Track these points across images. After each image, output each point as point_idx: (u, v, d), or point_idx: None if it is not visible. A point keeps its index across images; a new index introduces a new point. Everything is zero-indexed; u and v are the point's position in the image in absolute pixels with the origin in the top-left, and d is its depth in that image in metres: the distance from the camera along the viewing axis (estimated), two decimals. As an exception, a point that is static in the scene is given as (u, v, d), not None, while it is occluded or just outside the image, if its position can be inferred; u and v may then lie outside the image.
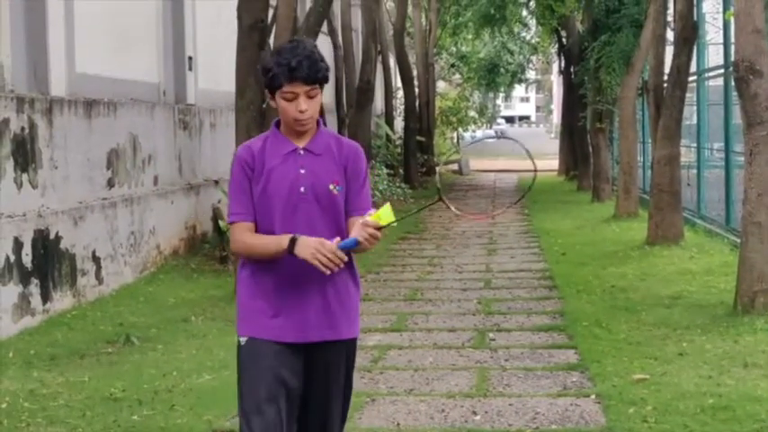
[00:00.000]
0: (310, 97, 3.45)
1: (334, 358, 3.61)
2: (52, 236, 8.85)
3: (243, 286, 3.63)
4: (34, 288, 8.47)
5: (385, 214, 3.40)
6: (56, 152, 9.09)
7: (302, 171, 3.50)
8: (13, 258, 8.17)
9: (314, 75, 3.42)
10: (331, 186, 3.51)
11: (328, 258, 3.34)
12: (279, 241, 3.41)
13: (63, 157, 9.22)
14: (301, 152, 3.53)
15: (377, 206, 3.49)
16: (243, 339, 3.63)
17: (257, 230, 3.53)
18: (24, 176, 8.51)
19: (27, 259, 8.38)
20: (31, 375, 6.63)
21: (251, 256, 3.54)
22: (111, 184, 10.35)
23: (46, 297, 8.65)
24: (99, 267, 9.77)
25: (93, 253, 9.67)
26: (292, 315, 3.52)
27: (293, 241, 3.37)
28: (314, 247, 3.34)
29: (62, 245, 9.02)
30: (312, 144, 3.55)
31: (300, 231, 3.43)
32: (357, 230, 3.37)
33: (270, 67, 3.44)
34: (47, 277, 8.70)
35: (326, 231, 3.48)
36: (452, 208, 3.67)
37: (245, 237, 3.51)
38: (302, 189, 3.48)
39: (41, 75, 9.45)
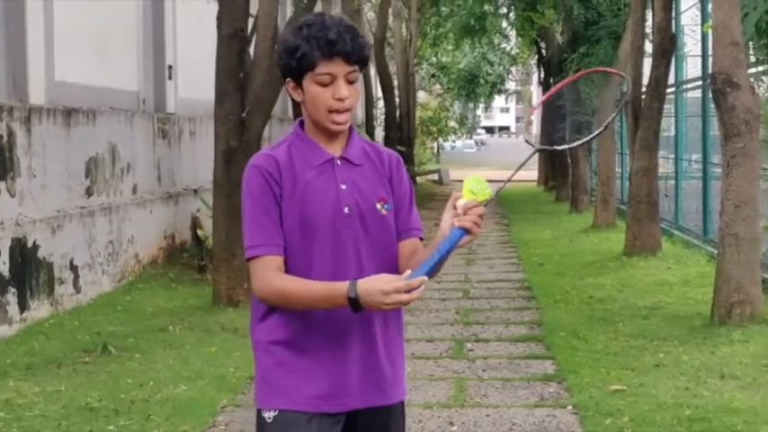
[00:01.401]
0: (350, 82, 2.67)
1: (381, 428, 2.83)
2: (30, 244, 8.79)
3: (262, 343, 2.78)
4: (11, 297, 8.40)
5: (478, 187, 2.58)
6: (34, 160, 9.03)
7: (343, 187, 2.69)
8: (-11, 267, 8.11)
9: (359, 50, 2.64)
10: (378, 205, 2.73)
11: (405, 300, 2.53)
12: (330, 291, 2.57)
13: (41, 165, 9.17)
14: (338, 162, 2.72)
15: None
16: (269, 415, 2.75)
17: (286, 269, 2.70)
18: (2, 185, 8.45)
19: (4, 268, 8.32)
20: (6, 385, 6.57)
21: (286, 307, 2.68)
22: (89, 192, 10.30)
23: (23, 306, 8.59)
24: (77, 276, 9.71)
25: (71, 262, 9.61)
26: (331, 377, 2.72)
27: (352, 287, 2.53)
28: (381, 290, 2.49)
29: (40, 253, 8.96)
30: (349, 151, 2.75)
31: (346, 268, 2.67)
32: (451, 218, 2.57)
33: (296, 44, 2.62)
34: (24, 286, 8.64)
35: (376, 266, 2.70)
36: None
37: (275, 279, 2.64)
38: (346, 210, 2.68)
39: (20, 83, 9.40)
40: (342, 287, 2.53)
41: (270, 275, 2.63)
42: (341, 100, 2.63)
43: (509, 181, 2.75)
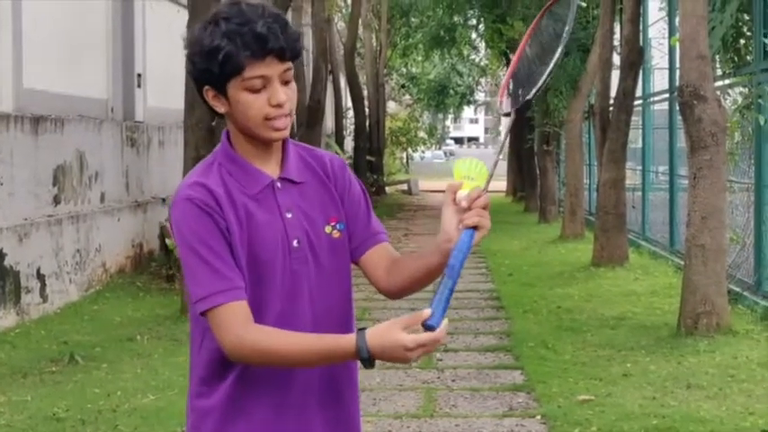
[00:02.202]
0: (285, 82, 2.14)
1: None
2: (-4, 253, 8.72)
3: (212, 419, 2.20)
4: (-24, 306, 8.32)
5: (475, 171, 2.14)
6: (1, 168, 8.96)
7: (288, 215, 2.18)
8: (-45, 275, 8.03)
9: (293, 44, 2.11)
10: (329, 228, 2.23)
11: (431, 349, 2.09)
12: (333, 348, 2.07)
13: (9, 173, 9.10)
14: (278, 185, 2.20)
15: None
16: None
17: None
18: (-32, 192, 8.38)
19: (-30, 276, 8.24)
20: (-29, 395, 6.51)
21: (265, 365, 2.12)
22: (57, 200, 10.23)
23: (-12, 315, 8.50)
24: (44, 285, 9.63)
25: (38, 270, 9.53)
26: None
27: (362, 344, 2.03)
28: (403, 347, 2.03)
29: (6, 262, 8.88)
30: (288, 168, 2.23)
31: (299, 307, 2.19)
32: (453, 215, 2.11)
33: (216, 44, 2.07)
34: (-10, 295, 8.56)
35: (328, 299, 2.23)
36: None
37: (251, 334, 2.07)
38: (295, 243, 2.17)
39: (-13, 90, 9.33)
40: (348, 344, 2.04)
41: (241, 329, 2.05)
42: (279, 106, 2.11)
43: (497, 162, 2.32)
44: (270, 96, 2.11)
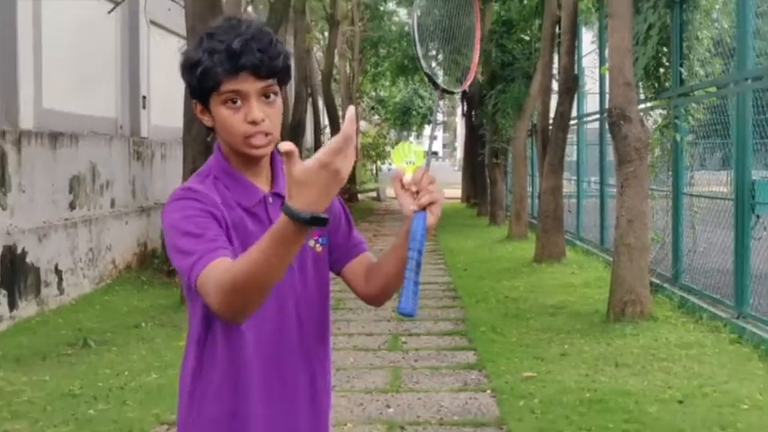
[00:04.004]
0: (266, 97, 1.85)
1: None
2: (19, 251, 8.63)
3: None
4: (2, 297, 8.24)
5: (411, 153, 1.92)
6: (24, 178, 8.88)
7: None
8: (-18, 271, 7.95)
9: (270, 63, 1.83)
10: (312, 242, 1.99)
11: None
12: (274, 228, 1.54)
13: (30, 182, 9.02)
14: (270, 200, 1.94)
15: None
16: None
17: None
18: (-6, 199, 8.30)
19: (-4, 272, 8.16)
20: (-3, 375, 6.45)
21: (246, 293, 1.61)
22: (72, 206, 10.15)
23: (13, 305, 8.42)
24: (61, 279, 9.55)
25: (56, 266, 9.45)
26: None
27: (285, 205, 1.51)
28: (315, 167, 1.50)
29: (28, 259, 8.80)
30: (278, 184, 1.96)
31: (286, 315, 1.95)
32: (407, 198, 1.79)
33: (197, 58, 1.83)
34: (14, 288, 8.47)
35: (310, 308, 1.99)
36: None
37: (220, 276, 1.65)
38: None
39: (12, 110, 9.24)
40: (282, 219, 1.52)
41: (220, 274, 1.65)
42: (254, 123, 1.83)
43: (432, 136, 2.00)
44: (246, 112, 1.83)
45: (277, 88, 1.87)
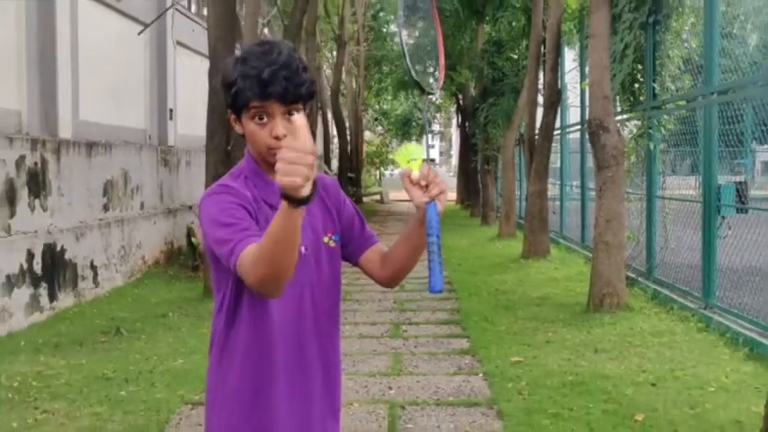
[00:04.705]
0: (289, 114, 1.91)
1: None
2: (58, 248, 8.64)
3: (218, 392, 2.01)
4: (43, 290, 8.25)
5: (415, 152, 1.91)
6: (62, 182, 8.89)
7: None
8: (26, 266, 7.96)
9: (295, 91, 1.88)
10: (326, 239, 2.06)
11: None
12: (279, 212, 1.61)
13: (68, 186, 9.03)
14: None
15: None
16: None
17: (247, 302, 1.95)
18: (36, 201, 8.30)
19: (37, 267, 8.16)
20: (38, 360, 6.44)
21: (273, 266, 1.66)
22: (106, 208, 10.16)
23: (52, 297, 8.43)
24: (95, 274, 9.56)
25: (91, 262, 9.46)
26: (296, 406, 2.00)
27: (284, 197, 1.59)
28: (286, 161, 1.55)
29: (66, 256, 8.81)
30: None
31: (302, 299, 2.00)
32: (417, 191, 1.85)
33: (233, 79, 1.90)
34: (53, 281, 8.49)
35: (324, 293, 2.05)
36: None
37: (251, 256, 1.72)
38: (303, 249, 1.95)
39: (51, 121, 9.26)
40: (283, 205, 1.61)
41: (250, 254, 1.73)
42: (278, 138, 1.87)
43: (428, 136, 2.05)
44: (271, 129, 1.89)
45: (300, 107, 1.92)
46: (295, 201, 1.58)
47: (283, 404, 1.97)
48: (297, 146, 1.54)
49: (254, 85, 1.85)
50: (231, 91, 1.90)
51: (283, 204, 1.60)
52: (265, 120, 1.89)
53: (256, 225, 1.86)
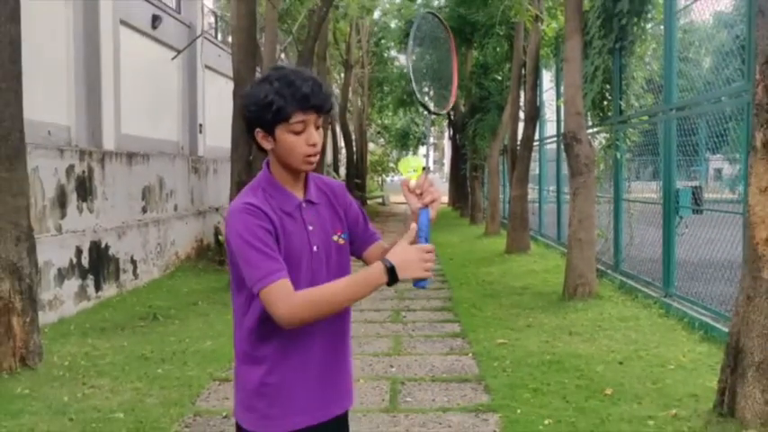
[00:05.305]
0: (318, 127, 1.95)
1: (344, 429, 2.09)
2: (103, 245, 8.65)
3: (252, 383, 1.95)
4: (89, 281, 8.26)
5: (415, 163, 1.94)
6: (106, 188, 8.90)
7: (311, 228, 1.97)
8: (75, 261, 7.96)
9: (328, 102, 1.94)
10: (335, 237, 2.04)
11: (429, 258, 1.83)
12: (366, 274, 1.82)
13: (111, 191, 9.03)
14: (304, 205, 1.99)
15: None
16: None
17: None
18: (84, 204, 8.31)
19: (85, 261, 8.17)
20: (86, 342, 6.45)
21: (316, 317, 1.82)
22: (144, 210, 10.16)
23: (98, 287, 8.44)
24: (135, 267, 9.56)
25: (132, 257, 9.46)
26: (315, 399, 1.99)
27: (391, 270, 1.81)
28: (420, 258, 1.81)
29: (110, 251, 8.82)
30: (310, 193, 2.03)
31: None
32: (413, 199, 1.91)
33: (270, 100, 1.86)
34: (98, 274, 8.49)
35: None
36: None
37: (298, 297, 1.79)
38: (315, 248, 1.97)
39: (97, 135, 9.28)
40: (378, 267, 1.80)
41: (290, 295, 1.79)
42: (314, 145, 1.91)
43: (428, 148, 2.11)
44: (307, 138, 1.89)
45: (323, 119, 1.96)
46: (396, 281, 1.78)
47: (315, 368, 1.96)
48: (432, 254, 1.82)
49: (298, 97, 1.85)
50: (272, 108, 1.86)
51: (382, 279, 1.79)
52: (301, 130, 1.88)
53: (276, 243, 1.86)
